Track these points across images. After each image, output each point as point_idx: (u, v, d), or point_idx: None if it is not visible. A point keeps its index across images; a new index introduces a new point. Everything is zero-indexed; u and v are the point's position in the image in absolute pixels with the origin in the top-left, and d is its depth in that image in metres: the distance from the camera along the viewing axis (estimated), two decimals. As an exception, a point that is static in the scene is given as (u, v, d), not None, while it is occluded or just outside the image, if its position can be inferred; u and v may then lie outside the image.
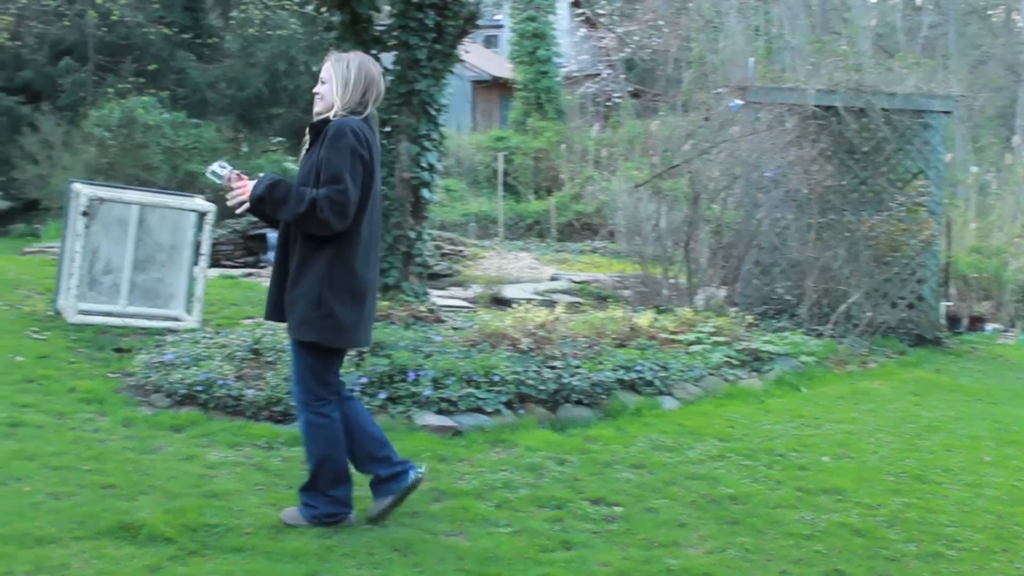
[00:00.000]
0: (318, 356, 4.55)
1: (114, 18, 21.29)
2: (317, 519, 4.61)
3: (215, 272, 12.05)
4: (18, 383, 6.75)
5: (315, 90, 4.67)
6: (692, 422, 6.75)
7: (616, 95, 28.97)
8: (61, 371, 7.19)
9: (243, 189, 4.41)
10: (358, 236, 4.50)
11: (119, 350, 7.91)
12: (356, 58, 4.63)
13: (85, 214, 8.54)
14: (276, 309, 4.62)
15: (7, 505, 4.54)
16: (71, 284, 8.62)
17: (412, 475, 4.72)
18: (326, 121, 4.53)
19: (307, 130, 4.63)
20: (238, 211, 4.43)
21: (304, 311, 4.45)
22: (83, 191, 8.71)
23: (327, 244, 4.44)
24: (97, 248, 9.05)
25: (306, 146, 4.63)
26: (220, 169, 4.59)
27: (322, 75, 4.64)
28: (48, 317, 8.99)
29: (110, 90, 21.82)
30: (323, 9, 9.36)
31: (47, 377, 6.98)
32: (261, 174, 4.54)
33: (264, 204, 4.36)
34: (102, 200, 8.75)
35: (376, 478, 4.72)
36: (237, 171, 4.60)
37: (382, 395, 6.40)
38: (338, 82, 4.56)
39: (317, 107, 4.63)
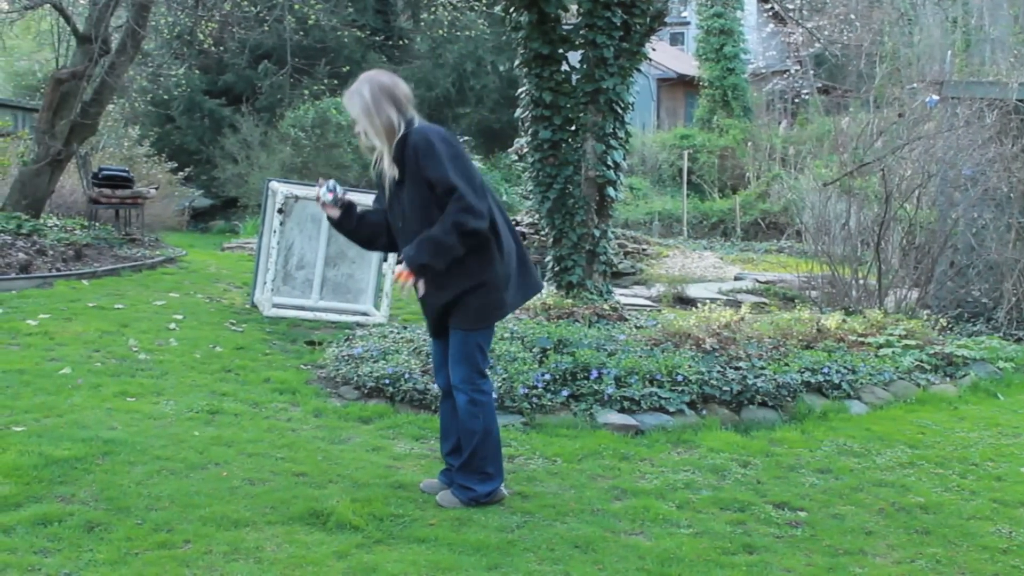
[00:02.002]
0: (486, 333, 4.77)
1: (310, 23, 22.00)
2: (475, 500, 4.74)
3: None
4: (217, 372, 7.06)
5: (355, 131, 4.67)
6: (881, 427, 6.56)
7: (805, 91, 28.38)
8: (256, 362, 7.48)
9: (400, 276, 4.46)
10: (492, 215, 4.60)
11: (310, 343, 8.17)
12: (363, 83, 4.58)
13: (281, 211, 8.87)
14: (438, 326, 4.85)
15: (207, 488, 4.75)
16: (267, 279, 8.97)
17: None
18: (403, 144, 4.51)
19: (389, 163, 4.60)
20: (420, 294, 4.53)
21: (478, 303, 4.63)
22: (279, 189, 9.04)
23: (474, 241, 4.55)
24: (291, 244, 9.39)
25: (395, 176, 4.60)
26: (325, 194, 4.77)
27: (352, 115, 4.64)
28: (245, 310, 9.36)
29: (305, 92, 22.58)
30: (511, 10, 9.46)
31: (243, 367, 7.27)
32: (403, 253, 4.54)
33: (428, 267, 4.44)
34: (297, 198, 9.06)
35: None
36: (340, 199, 4.78)
37: (564, 392, 6.43)
38: (363, 117, 4.54)
39: (365, 142, 4.63)
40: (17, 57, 30.33)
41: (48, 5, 14.92)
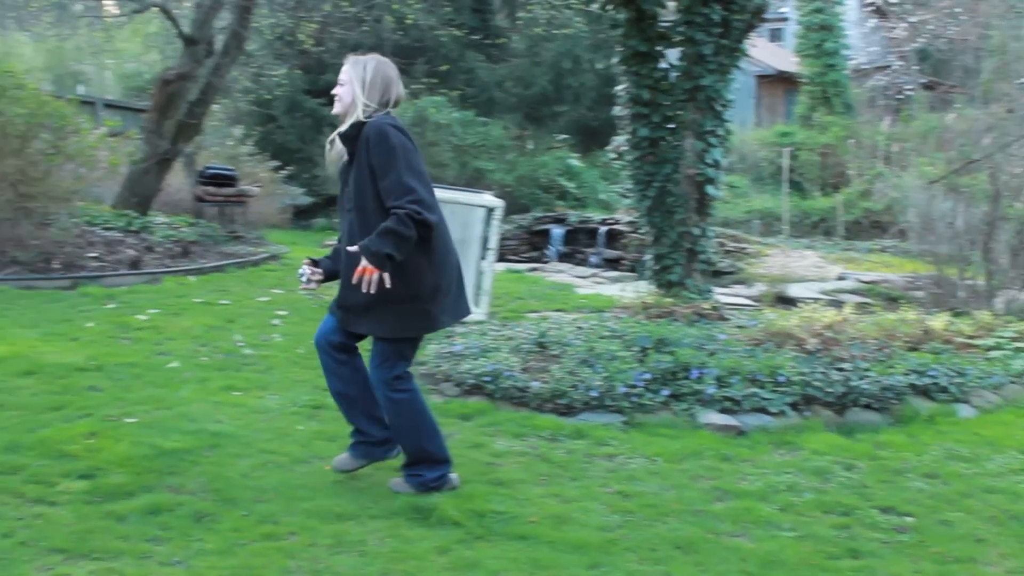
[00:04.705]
0: (410, 344, 4.79)
1: (408, 22, 22.18)
2: (424, 486, 4.76)
3: (501, 266, 12.37)
4: (320, 368, 7.13)
5: (333, 91, 4.73)
6: (991, 432, 6.38)
7: (908, 87, 27.80)
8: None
9: (363, 271, 4.37)
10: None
11: (412, 339, 8.22)
12: (373, 60, 4.67)
13: (382, 209, 8.95)
14: None
15: (311, 482, 4.84)
16: (369, 276, 9.06)
17: (393, 454, 4.95)
18: (359, 128, 4.56)
19: (339, 139, 4.65)
20: (388, 285, 4.41)
21: (401, 311, 4.63)
22: (380, 188, 9.12)
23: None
24: (392, 242, 9.47)
25: (343, 156, 4.68)
26: (307, 282, 4.87)
27: (340, 77, 4.69)
28: (347, 307, 9.47)
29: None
30: (609, 7, 9.42)
31: (347, 363, 7.34)
32: (360, 245, 4.43)
33: (390, 257, 4.36)
34: (397, 196, 9.13)
35: (362, 436, 4.89)
36: (314, 271, 4.85)
37: (665, 392, 6.39)
38: (356, 83, 4.60)
39: (336, 109, 4.70)
40: (126, 59, 31.12)
41: (156, 8, 15.28)
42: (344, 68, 4.69)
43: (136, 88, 29.58)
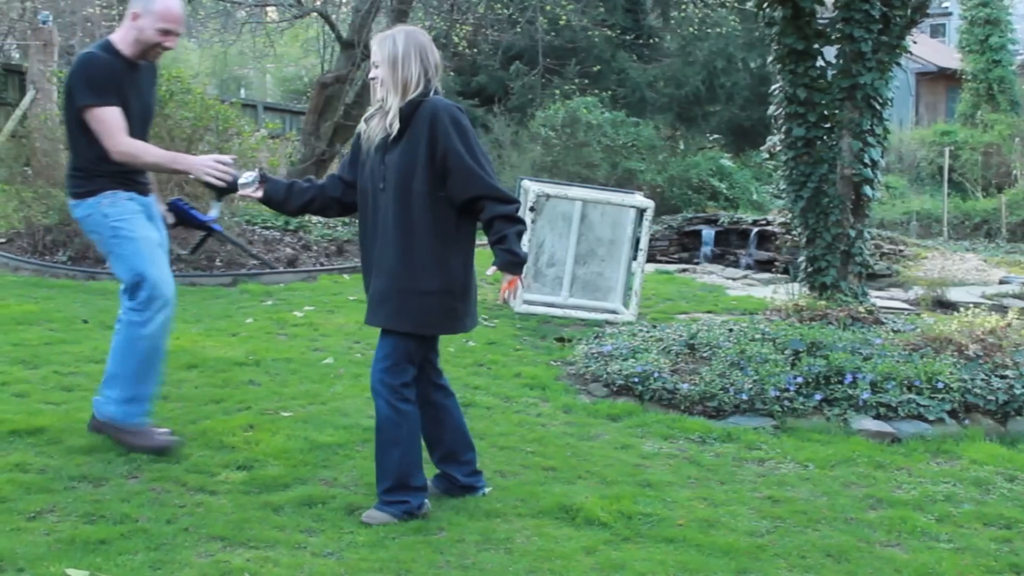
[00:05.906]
0: (427, 343, 4.57)
1: (561, 23, 22.25)
2: (410, 513, 4.39)
3: (651, 267, 12.31)
4: (470, 366, 7.24)
5: (371, 76, 4.36)
6: None
7: (1081, 83, 26.68)
8: (507, 357, 7.63)
9: (509, 285, 4.35)
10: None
11: (560, 339, 8.26)
12: (401, 32, 4.32)
13: (532, 210, 9.02)
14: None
15: (460, 480, 4.89)
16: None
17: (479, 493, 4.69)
18: (416, 105, 4.25)
19: (393, 115, 4.27)
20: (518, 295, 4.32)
21: (430, 304, 4.41)
22: (531, 188, 9.19)
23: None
24: (542, 242, 9.53)
25: (384, 133, 4.31)
26: (247, 179, 4.66)
27: (373, 59, 4.33)
28: (496, 306, 9.54)
29: (555, 92, 22.85)
30: (764, 5, 9.28)
31: (495, 362, 7.42)
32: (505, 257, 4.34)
33: (521, 257, 4.34)
34: (548, 196, 9.19)
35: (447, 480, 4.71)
36: (255, 189, 4.64)
37: (817, 396, 6.27)
38: (386, 64, 4.26)
39: (377, 94, 4.32)
40: (285, 63, 32.08)
41: (315, 14, 15.69)
42: (373, 51, 4.35)
43: (295, 91, 30.50)
